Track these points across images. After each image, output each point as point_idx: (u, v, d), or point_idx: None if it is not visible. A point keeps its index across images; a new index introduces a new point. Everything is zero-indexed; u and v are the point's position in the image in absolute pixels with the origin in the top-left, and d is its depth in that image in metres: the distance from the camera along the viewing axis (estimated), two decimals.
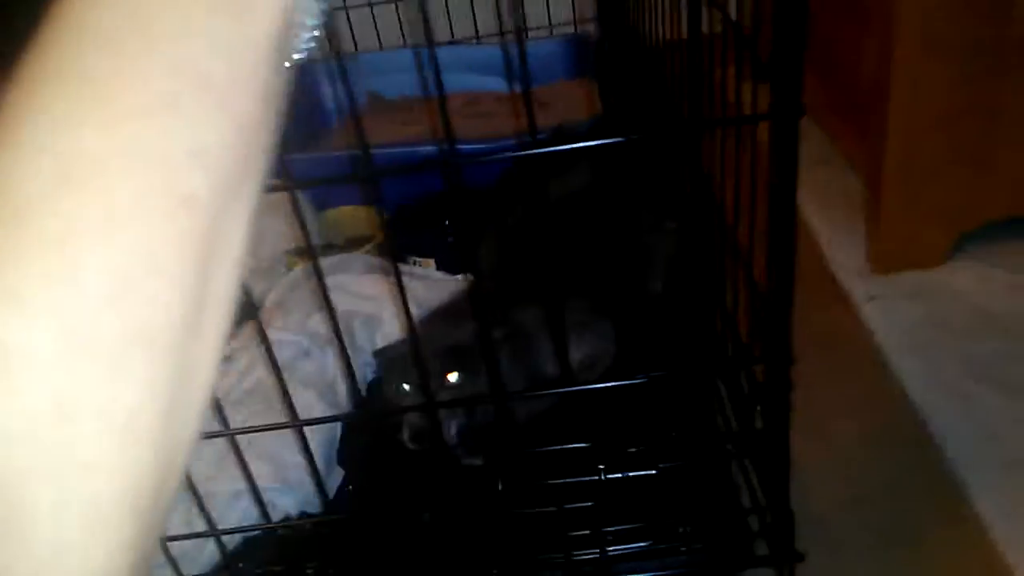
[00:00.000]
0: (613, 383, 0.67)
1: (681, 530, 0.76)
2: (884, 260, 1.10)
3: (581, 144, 0.56)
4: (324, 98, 1.56)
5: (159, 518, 0.23)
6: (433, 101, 1.59)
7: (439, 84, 0.53)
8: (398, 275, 0.60)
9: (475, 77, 1.55)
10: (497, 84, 1.52)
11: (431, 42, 0.51)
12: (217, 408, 0.67)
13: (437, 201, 1.26)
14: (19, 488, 0.20)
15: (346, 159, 1.23)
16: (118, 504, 0.21)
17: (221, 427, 0.66)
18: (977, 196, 1.04)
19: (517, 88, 1.56)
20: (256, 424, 0.75)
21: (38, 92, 0.22)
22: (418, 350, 0.64)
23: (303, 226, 0.59)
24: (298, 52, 0.29)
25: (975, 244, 1.11)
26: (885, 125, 1.01)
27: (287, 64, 0.28)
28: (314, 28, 0.29)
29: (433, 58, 0.53)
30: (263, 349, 0.79)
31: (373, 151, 0.56)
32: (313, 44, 0.30)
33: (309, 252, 0.65)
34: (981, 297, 1.04)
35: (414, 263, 1.14)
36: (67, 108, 0.22)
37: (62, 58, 0.23)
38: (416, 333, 0.65)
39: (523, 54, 0.53)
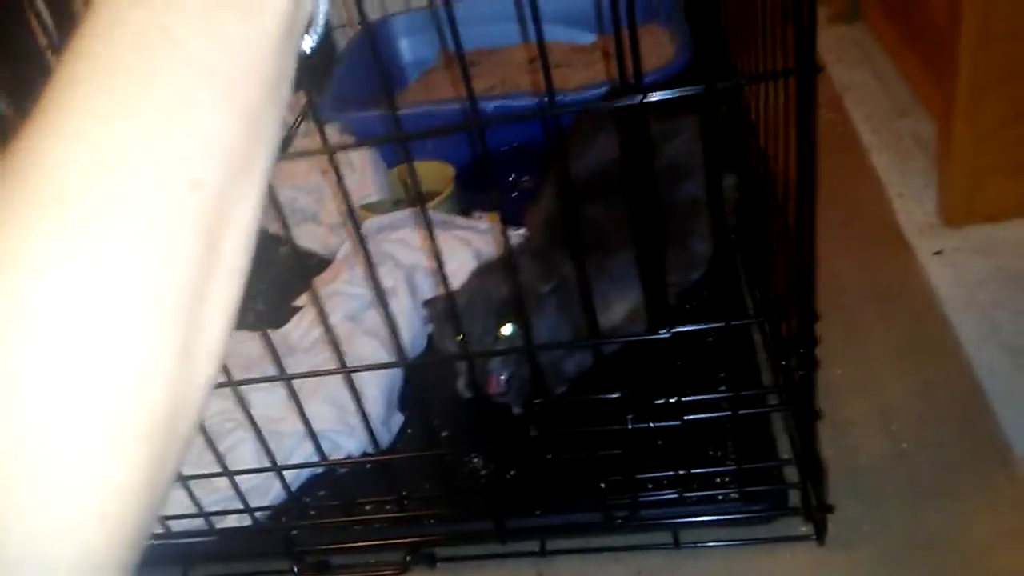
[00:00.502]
0: (646, 336, 0.69)
1: (719, 480, 0.79)
2: (954, 213, 1.07)
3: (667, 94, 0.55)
4: (400, 55, 1.61)
5: (174, 447, 0.27)
6: (499, 53, 1.61)
7: (539, 33, 0.53)
8: (431, 229, 0.63)
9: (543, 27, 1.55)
10: (565, 34, 1.52)
11: None
12: (276, 356, 0.73)
13: (503, 157, 1.29)
14: (49, 414, 0.24)
15: (427, 113, 1.28)
16: (135, 431, 0.26)
17: (278, 373, 0.72)
18: None
19: (599, 35, 1.55)
20: (322, 370, 0.81)
21: (74, 88, 0.26)
22: (453, 302, 0.68)
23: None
24: (308, 43, 0.32)
25: None
26: (956, 70, 0.98)
27: (296, 55, 0.31)
28: (323, 21, 0.33)
29: (533, 5, 0.53)
30: (327, 301, 0.84)
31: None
32: (320, 36, 0.33)
33: (350, 215, 0.67)
34: None
35: (479, 218, 1.17)
36: (100, 102, 0.26)
37: (91, 56, 0.27)
38: (451, 289, 0.68)
39: None
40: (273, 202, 0.67)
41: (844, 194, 1.20)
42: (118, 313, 0.25)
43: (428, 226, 0.63)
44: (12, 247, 0.25)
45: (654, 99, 0.54)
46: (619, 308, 0.94)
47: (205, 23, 0.27)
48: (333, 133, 1.40)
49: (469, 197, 1.23)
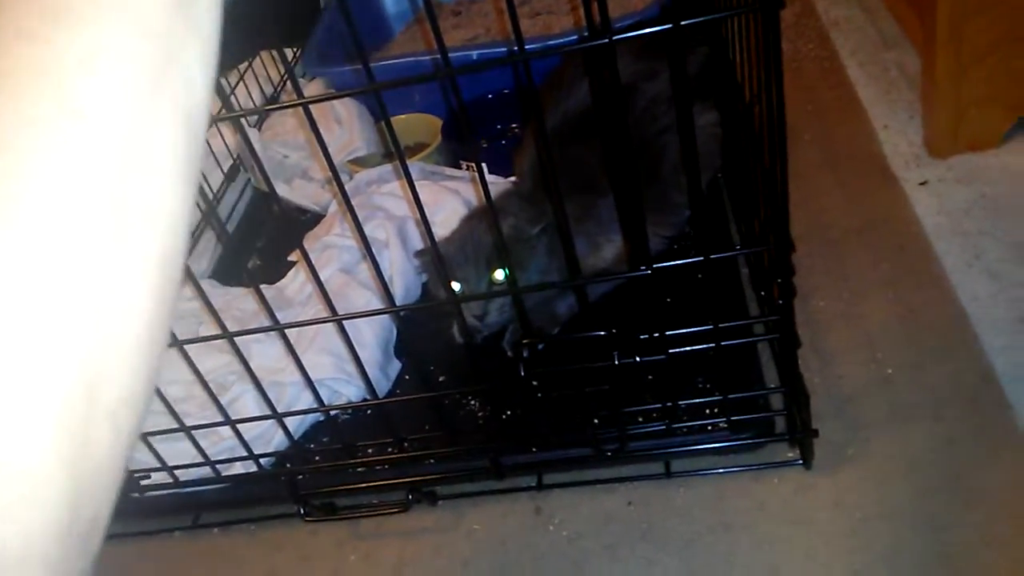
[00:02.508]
0: (626, 275, 0.71)
1: (707, 410, 0.81)
2: (938, 143, 1.08)
3: (638, 32, 0.56)
4: (385, 8, 1.60)
5: (95, 419, 0.23)
6: (483, 3, 1.60)
7: None
8: (410, 180, 0.64)
9: None
10: None
11: None
12: (269, 308, 0.74)
13: (491, 105, 1.29)
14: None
15: (410, 65, 1.28)
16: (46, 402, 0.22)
17: (272, 323, 0.73)
18: None
19: None
20: (315, 319, 0.82)
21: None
22: (438, 251, 0.70)
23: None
24: None
25: None
26: (936, 1, 0.98)
27: None
28: None
29: None
30: (321, 254, 0.85)
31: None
32: None
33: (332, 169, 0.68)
34: None
35: (466, 168, 1.18)
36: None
37: None
38: (436, 239, 0.69)
39: None
40: (257, 162, 0.69)
41: (831, 129, 1.21)
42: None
43: (408, 177, 0.64)
44: None
45: (621, 38, 0.55)
46: (607, 250, 0.95)
47: None
48: (319, 87, 1.40)
49: (457, 148, 1.23)
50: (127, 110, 0.24)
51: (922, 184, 1.06)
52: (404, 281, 1.02)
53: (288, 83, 1.47)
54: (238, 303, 1.05)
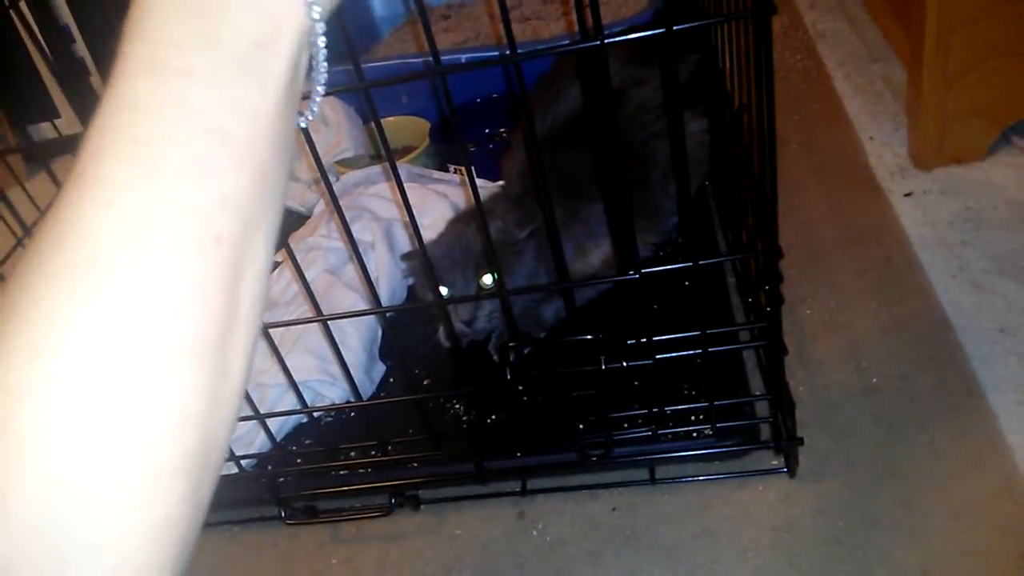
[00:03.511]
0: (613, 279, 0.71)
1: (693, 417, 0.81)
2: (924, 155, 1.09)
3: (631, 36, 0.56)
4: (373, 11, 1.60)
5: (207, 479, 0.31)
6: (472, 7, 1.60)
7: None
8: (399, 182, 0.64)
9: None
10: None
11: None
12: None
13: (480, 108, 1.29)
14: (99, 458, 0.27)
15: (400, 66, 1.27)
16: (173, 470, 0.29)
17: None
18: (1020, 88, 1.01)
19: None
20: (298, 319, 0.82)
21: (100, 157, 0.28)
22: (426, 255, 0.69)
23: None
24: (302, 119, 0.35)
25: (1021, 137, 1.08)
26: (923, 15, 0.99)
27: (294, 119, 0.33)
28: (318, 99, 0.35)
29: None
30: (306, 255, 0.84)
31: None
32: (314, 113, 0.36)
33: (322, 175, 0.68)
34: (1020, 192, 1.02)
35: (454, 171, 1.18)
36: (125, 170, 0.28)
37: (116, 128, 0.29)
38: (424, 243, 0.69)
39: None
40: None
41: (818, 140, 1.21)
42: (154, 364, 0.28)
43: (397, 179, 0.64)
44: (53, 307, 0.27)
45: (614, 41, 0.54)
46: (595, 255, 0.95)
47: (217, 91, 0.29)
48: (306, 87, 1.39)
49: (445, 151, 1.23)
50: (244, 238, 0.30)
51: (907, 195, 1.06)
52: (390, 283, 1.01)
53: None
54: None
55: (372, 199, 1.10)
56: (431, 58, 0.57)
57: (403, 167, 1.14)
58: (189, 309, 0.28)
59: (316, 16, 0.31)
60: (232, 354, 0.30)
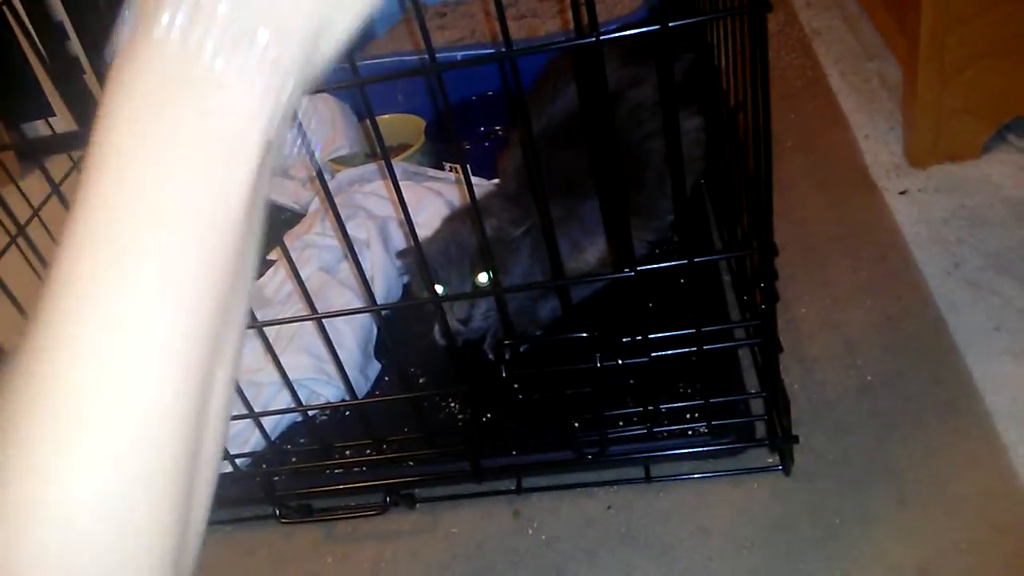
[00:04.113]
0: (609, 276, 0.71)
1: (688, 415, 0.81)
2: (919, 153, 1.09)
3: (627, 32, 0.56)
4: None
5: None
6: (468, 5, 1.59)
7: None
8: (395, 180, 0.64)
9: None
10: None
11: None
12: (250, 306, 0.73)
13: (475, 106, 1.29)
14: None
15: (395, 64, 1.27)
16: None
17: (250, 322, 0.72)
18: (1015, 86, 1.01)
19: None
20: (293, 317, 0.81)
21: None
22: (421, 253, 0.69)
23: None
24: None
25: (1017, 136, 1.08)
26: (918, 14, 0.99)
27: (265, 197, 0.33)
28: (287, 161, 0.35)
29: None
30: (301, 253, 0.84)
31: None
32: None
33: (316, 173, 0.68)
34: (1015, 190, 1.02)
35: (449, 169, 1.18)
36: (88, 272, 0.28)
37: (91, 242, 0.28)
38: (419, 240, 0.69)
39: None
40: None
41: (813, 138, 1.21)
42: (132, 492, 0.28)
43: (392, 177, 0.64)
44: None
45: (609, 37, 0.54)
46: (591, 253, 0.95)
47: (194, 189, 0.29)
48: None
49: (440, 149, 1.23)
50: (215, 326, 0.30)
51: (902, 193, 1.06)
52: (385, 281, 1.01)
53: None
54: None
55: (367, 197, 1.10)
56: (427, 55, 0.57)
57: (398, 165, 1.14)
58: (151, 430, 0.28)
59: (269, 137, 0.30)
60: (200, 462, 0.31)
